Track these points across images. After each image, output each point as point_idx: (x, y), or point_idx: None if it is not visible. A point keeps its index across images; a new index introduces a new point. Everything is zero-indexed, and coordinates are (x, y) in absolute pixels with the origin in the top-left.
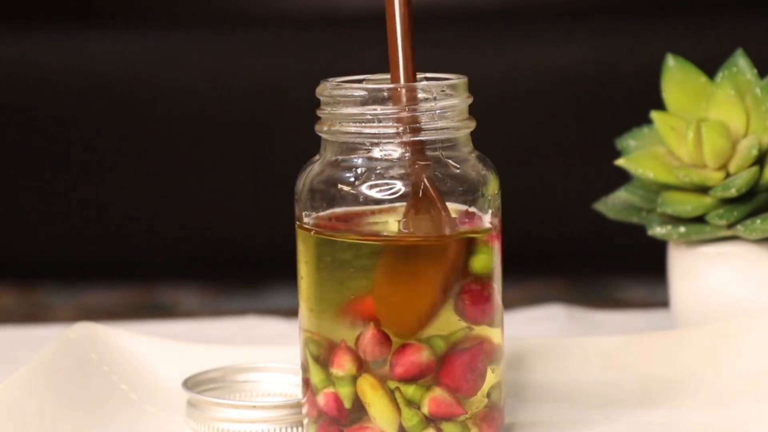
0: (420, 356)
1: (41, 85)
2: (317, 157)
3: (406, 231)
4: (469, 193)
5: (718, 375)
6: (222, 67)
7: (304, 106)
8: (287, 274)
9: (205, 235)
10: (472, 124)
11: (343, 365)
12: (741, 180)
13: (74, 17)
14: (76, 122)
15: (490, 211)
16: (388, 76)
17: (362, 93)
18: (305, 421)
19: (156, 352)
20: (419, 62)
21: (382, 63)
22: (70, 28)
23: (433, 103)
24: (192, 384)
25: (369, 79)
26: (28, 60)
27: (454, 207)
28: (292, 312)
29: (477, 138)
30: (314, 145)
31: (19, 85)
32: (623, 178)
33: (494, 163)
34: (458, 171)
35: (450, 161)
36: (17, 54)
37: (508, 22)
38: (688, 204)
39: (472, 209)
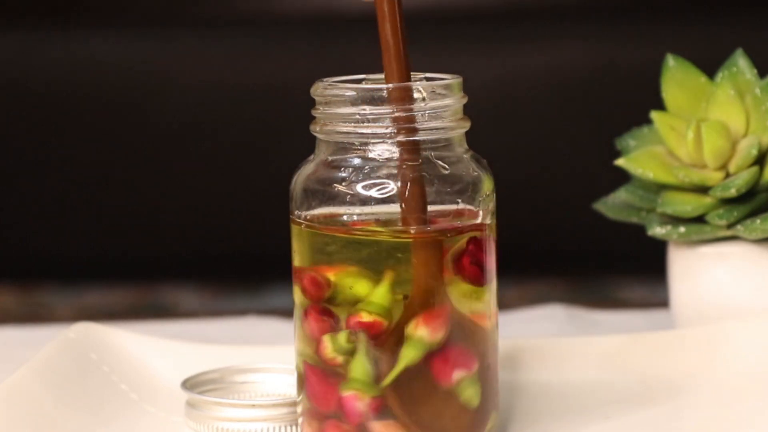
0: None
1: (41, 85)
2: (312, 156)
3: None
4: (459, 193)
5: (717, 375)
6: (221, 68)
7: (304, 106)
8: (287, 274)
9: (205, 235)
10: (467, 124)
11: None
12: (741, 180)
13: (72, 17)
14: (75, 122)
15: (481, 212)
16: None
17: (354, 93)
18: (299, 420)
19: (156, 352)
20: (418, 62)
21: (381, 63)
22: (67, 28)
23: (423, 104)
24: (191, 385)
25: (369, 79)
26: (27, 60)
27: (442, 208)
28: (291, 312)
29: (477, 138)
30: (314, 145)
31: (18, 85)
32: (623, 178)
33: (494, 163)
34: (447, 171)
35: (439, 161)
36: (15, 54)
37: (508, 22)
38: (688, 204)
39: (462, 207)
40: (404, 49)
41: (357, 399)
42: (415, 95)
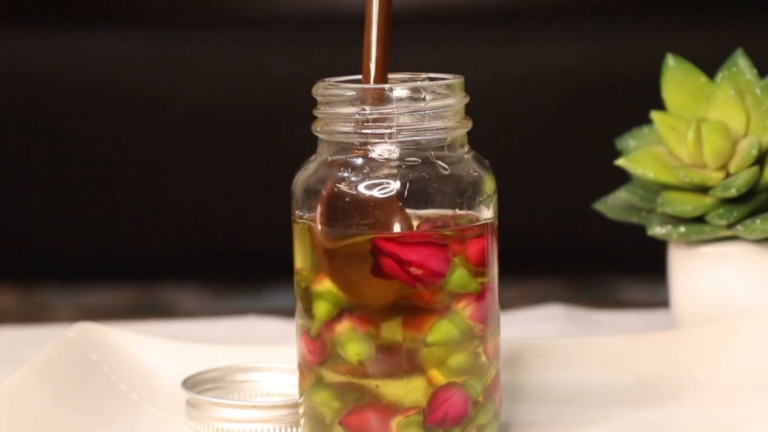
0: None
1: (41, 85)
2: (313, 156)
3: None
4: (459, 194)
5: (718, 375)
6: (221, 68)
7: (304, 106)
8: (287, 274)
9: (205, 235)
10: (469, 124)
11: None
12: (741, 180)
13: (72, 17)
14: (75, 122)
15: (483, 211)
16: (390, 76)
17: (354, 93)
18: (302, 420)
19: (156, 352)
20: (419, 62)
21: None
22: (66, 28)
23: (423, 104)
24: (191, 384)
25: None
26: (27, 60)
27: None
28: (292, 312)
29: (477, 138)
30: (315, 144)
31: (18, 85)
32: (623, 178)
33: (495, 163)
34: (447, 172)
35: (439, 162)
36: (15, 53)
37: (508, 22)
38: (688, 204)
39: (462, 210)
40: (384, 49)
41: None
42: (418, 95)
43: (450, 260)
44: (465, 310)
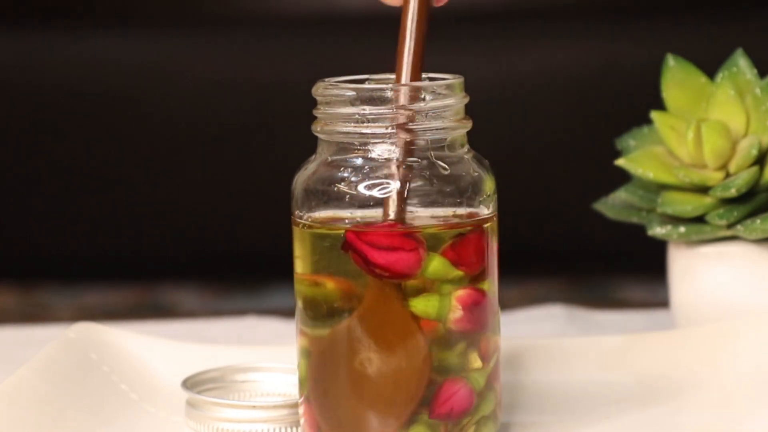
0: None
1: (41, 85)
2: (313, 156)
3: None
4: (459, 193)
5: (717, 375)
6: (221, 68)
7: (304, 106)
8: (287, 274)
9: (205, 235)
10: (469, 124)
11: None
12: (741, 180)
13: (71, 17)
14: (75, 122)
15: (483, 211)
16: (391, 76)
17: (354, 93)
18: (302, 421)
19: (156, 352)
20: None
21: (383, 63)
22: (66, 29)
23: (423, 104)
24: (191, 384)
25: (372, 79)
26: (27, 60)
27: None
28: (291, 312)
29: (477, 138)
30: (315, 145)
31: (18, 85)
32: (623, 178)
33: (494, 163)
34: (447, 172)
35: (439, 162)
36: (15, 54)
37: (508, 22)
38: (688, 204)
39: (461, 210)
40: (419, 48)
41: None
42: (417, 95)
43: (421, 261)
44: (458, 296)
